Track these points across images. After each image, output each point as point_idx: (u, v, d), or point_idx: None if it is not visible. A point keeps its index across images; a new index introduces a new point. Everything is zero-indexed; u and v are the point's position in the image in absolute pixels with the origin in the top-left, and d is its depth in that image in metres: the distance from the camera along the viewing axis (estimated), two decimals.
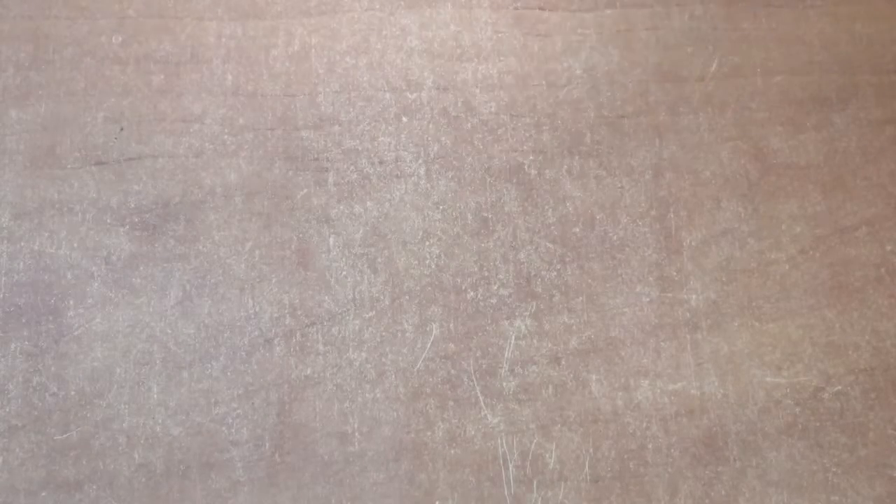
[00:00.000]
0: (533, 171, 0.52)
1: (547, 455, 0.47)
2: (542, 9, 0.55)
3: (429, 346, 0.49)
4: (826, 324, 0.50)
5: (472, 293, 0.50)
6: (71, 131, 0.52)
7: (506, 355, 0.49)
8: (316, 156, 0.52)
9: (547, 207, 0.51)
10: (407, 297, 0.50)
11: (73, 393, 0.48)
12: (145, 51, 0.53)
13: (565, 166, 0.52)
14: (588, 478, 0.47)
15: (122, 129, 0.52)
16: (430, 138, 0.52)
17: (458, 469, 0.47)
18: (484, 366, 0.49)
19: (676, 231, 0.51)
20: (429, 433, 0.48)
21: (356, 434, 0.48)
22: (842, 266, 0.50)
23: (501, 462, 0.47)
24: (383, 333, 0.49)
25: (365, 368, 0.49)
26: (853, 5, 0.55)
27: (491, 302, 0.50)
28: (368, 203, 0.51)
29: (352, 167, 0.52)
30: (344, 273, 0.50)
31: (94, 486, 0.47)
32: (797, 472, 0.47)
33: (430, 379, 0.49)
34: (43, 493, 0.46)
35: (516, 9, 0.55)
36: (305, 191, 0.51)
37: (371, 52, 0.54)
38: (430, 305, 0.50)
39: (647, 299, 0.50)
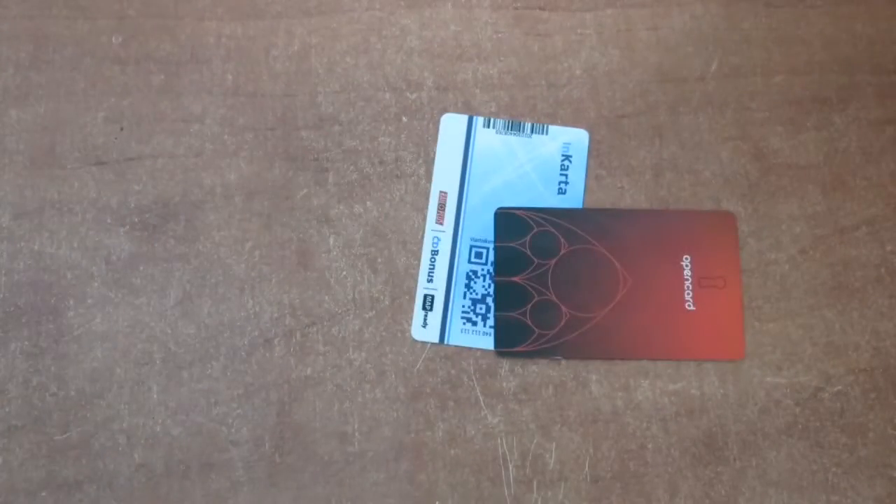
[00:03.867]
0: None
1: (547, 455, 0.47)
2: (542, 9, 0.55)
3: (429, 346, 0.49)
4: (826, 324, 0.50)
5: None
6: (71, 131, 0.52)
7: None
8: (316, 156, 0.52)
9: None
10: (407, 297, 0.50)
11: (73, 393, 0.48)
12: (145, 51, 0.53)
13: None
14: (588, 478, 0.47)
15: (122, 129, 0.52)
16: (430, 138, 0.52)
17: (458, 469, 0.47)
18: (484, 366, 0.49)
19: None
20: (429, 433, 0.48)
21: (356, 434, 0.48)
22: (842, 266, 0.50)
23: (501, 462, 0.47)
24: (383, 333, 0.49)
25: (365, 368, 0.49)
26: (853, 5, 0.55)
27: None
28: (368, 203, 0.51)
29: (352, 167, 0.52)
30: (344, 273, 0.50)
31: (94, 486, 0.47)
32: (797, 472, 0.47)
33: (430, 379, 0.49)
34: (43, 493, 0.46)
35: (516, 9, 0.55)
36: (305, 191, 0.51)
37: (371, 52, 0.54)
38: None
39: None
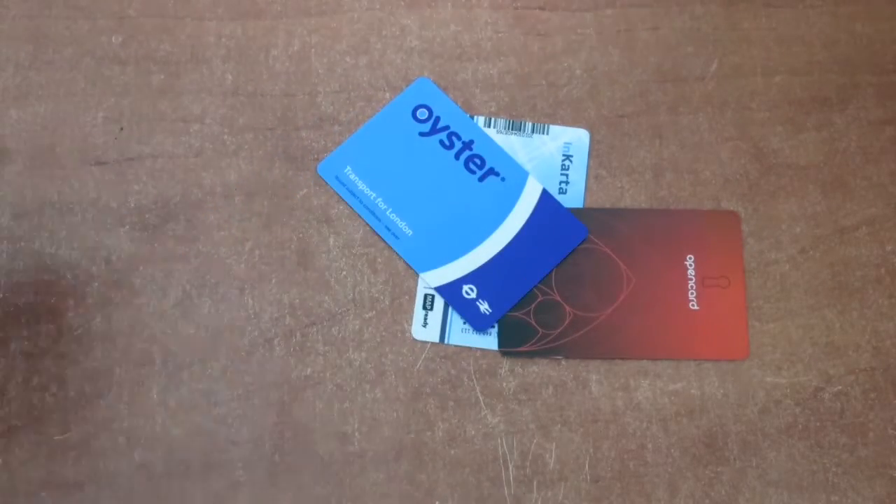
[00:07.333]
0: None
1: (547, 455, 0.47)
2: (542, 9, 0.55)
3: (429, 346, 0.49)
4: (826, 324, 0.50)
5: None
6: (71, 131, 0.52)
7: None
8: (316, 156, 0.52)
9: None
10: (407, 297, 0.50)
11: (72, 393, 0.48)
12: (145, 51, 0.53)
13: None
14: (588, 478, 0.47)
15: (121, 129, 0.52)
16: None
17: (458, 469, 0.47)
18: (484, 366, 0.49)
19: None
20: (429, 433, 0.48)
21: (356, 434, 0.48)
22: (842, 266, 0.50)
23: (501, 462, 0.47)
24: (383, 333, 0.49)
25: (365, 368, 0.49)
26: (853, 5, 0.55)
27: None
28: None
29: None
30: (344, 273, 0.50)
31: (94, 486, 0.47)
32: (797, 472, 0.47)
33: (430, 379, 0.49)
34: (43, 493, 0.46)
35: (516, 9, 0.55)
36: (305, 191, 0.51)
37: (371, 52, 0.54)
38: None
39: None
